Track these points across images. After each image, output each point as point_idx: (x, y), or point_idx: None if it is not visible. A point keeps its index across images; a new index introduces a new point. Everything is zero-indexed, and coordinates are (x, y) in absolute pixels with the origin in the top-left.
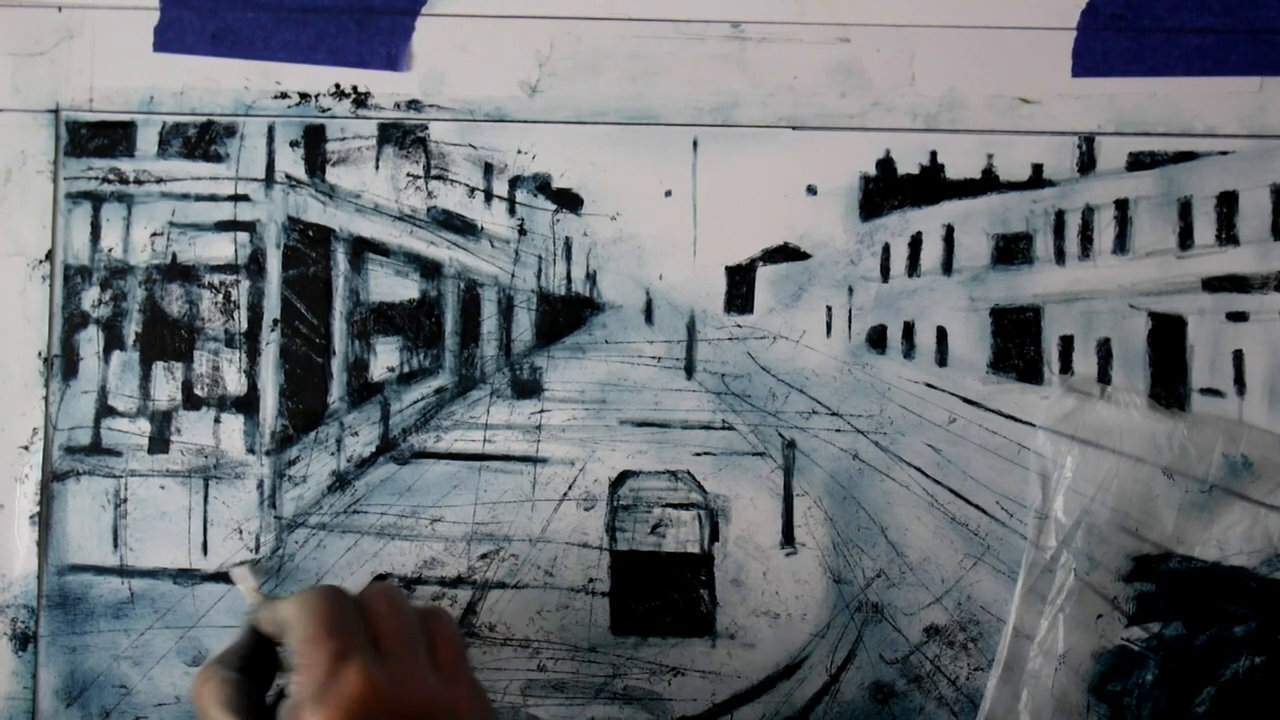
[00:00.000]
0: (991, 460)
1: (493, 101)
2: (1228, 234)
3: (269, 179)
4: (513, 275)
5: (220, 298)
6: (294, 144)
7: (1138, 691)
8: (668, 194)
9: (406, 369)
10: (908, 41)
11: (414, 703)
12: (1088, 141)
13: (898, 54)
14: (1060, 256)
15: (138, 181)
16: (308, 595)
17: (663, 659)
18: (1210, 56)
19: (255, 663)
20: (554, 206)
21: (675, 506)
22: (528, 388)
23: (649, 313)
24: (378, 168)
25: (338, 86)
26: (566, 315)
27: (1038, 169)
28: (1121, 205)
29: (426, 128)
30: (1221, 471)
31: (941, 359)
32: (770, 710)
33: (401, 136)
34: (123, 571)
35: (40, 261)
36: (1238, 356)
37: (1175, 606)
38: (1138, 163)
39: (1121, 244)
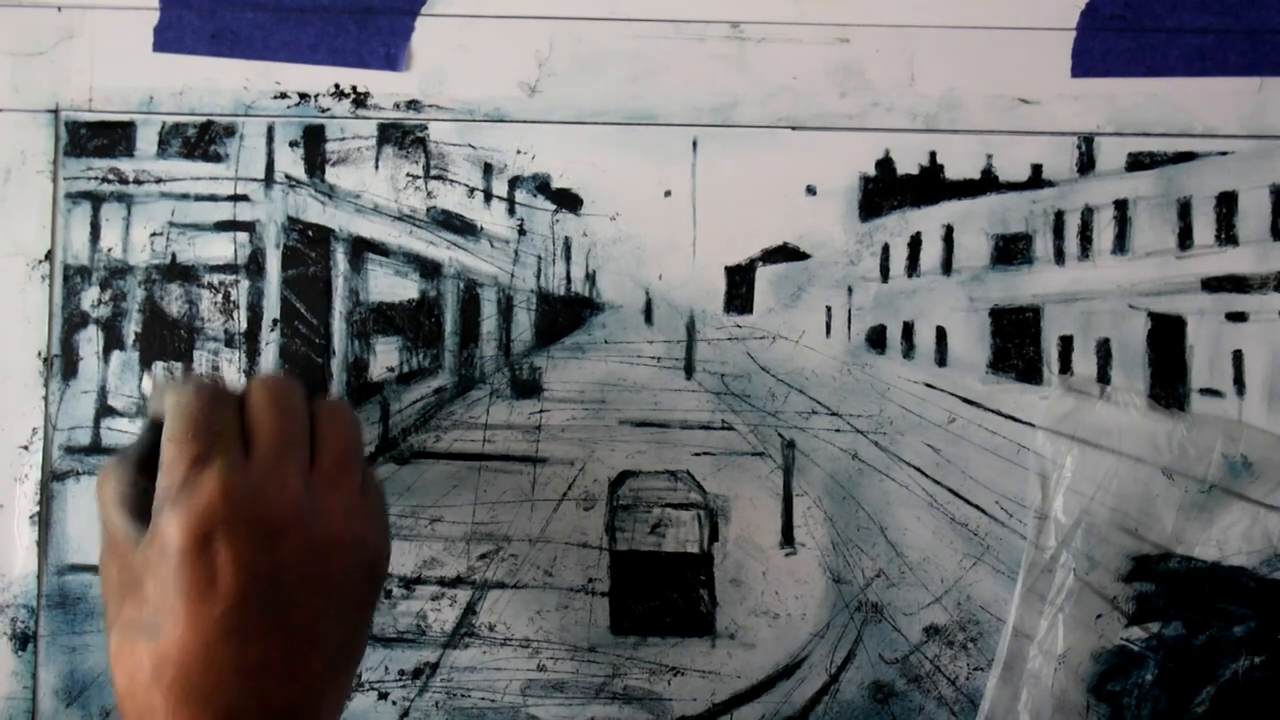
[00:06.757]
0: (991, 460)
1: (492, 101)
2: (1227, 234)
3: (268, 179)
4: (512, 275)
5: (220, 298)
6: (293, 144)
7: (1137, 691)
8: (667, 194)
9: (406, 369)
10: (907, 41)
11: (274, 511)
12: (1087, 142)
13: (897, 54)
14: (1060, 256)
15: (137, 181)
16: (181, 390)
17: (662, 659)
18: (1210, 56)
19: (156, 457)
20: (553, 206)
21: (675, 506)
22: (527, 388)
23: (648, 313)
24: (377, 168)
25: (337, 86)
26: (566, 315)
27: (1037, 169)
28: (1121, 205)
29: (426, 128)
30: (1221, 471)
31: (941, 359)
32: (770, 710)
33: (401, 136)
34: None
35: (40, 261)
36: (1237, 356)
37: (1175, 606)
38: (1137, 163)
39: (1121, 244)
